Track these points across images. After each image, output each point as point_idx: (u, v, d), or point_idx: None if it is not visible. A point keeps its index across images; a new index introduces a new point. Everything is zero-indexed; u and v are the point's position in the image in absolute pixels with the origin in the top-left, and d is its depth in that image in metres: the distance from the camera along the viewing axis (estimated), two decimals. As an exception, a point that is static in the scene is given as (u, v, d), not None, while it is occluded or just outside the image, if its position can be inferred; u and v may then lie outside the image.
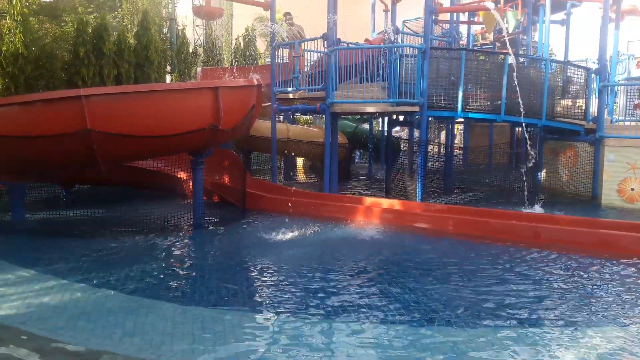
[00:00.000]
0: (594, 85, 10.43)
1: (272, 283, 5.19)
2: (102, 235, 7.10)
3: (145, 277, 5.27)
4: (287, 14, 11.64)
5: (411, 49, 9.59)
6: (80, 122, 6.03)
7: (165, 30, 16.43)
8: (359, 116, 15.78)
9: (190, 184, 8.20)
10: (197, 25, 20.57)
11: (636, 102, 11.21)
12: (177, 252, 6.41)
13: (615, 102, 11.84)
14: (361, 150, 18.33)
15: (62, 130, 6.08)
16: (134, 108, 6.36)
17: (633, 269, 5.69)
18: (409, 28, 14.40)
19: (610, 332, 4.00)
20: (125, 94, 6.53)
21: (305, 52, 10.81)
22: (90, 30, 11.94)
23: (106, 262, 5.84)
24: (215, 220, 8.04)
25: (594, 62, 11.90)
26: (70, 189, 9.63)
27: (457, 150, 14.20)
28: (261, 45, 24.02)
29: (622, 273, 5.54)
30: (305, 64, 10.98)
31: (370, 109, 9.76)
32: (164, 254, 6.25)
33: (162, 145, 6.87)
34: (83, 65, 11.68)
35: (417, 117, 9.54)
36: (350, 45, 10.78)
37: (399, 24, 13.39)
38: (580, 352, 3.62)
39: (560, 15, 14.95)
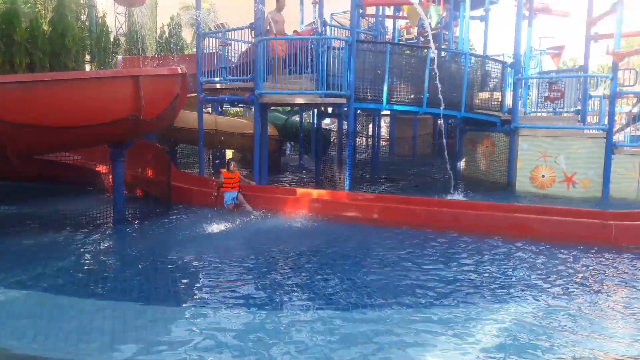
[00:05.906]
0: (510, 79, 11.04)
1: (195, 277, 5.10)
2: (13, 234, 6.65)
3: (61, 275, 5.01)
4: None
5: (339, 41, 9.68)
6: (-15, 112, 5.62)
7: (83, 17, 15.56)
8: (290, 108, 15.77)
9: (110, 177, 7.85)
10: (118, 13, 19.70)
11: (546, 94, 11.96)
12: (96, 248, 6.11)
13: (528, 95, 12.57)
14: (292, 142, 18.35)
15: (-35, 121, 5.64)
16: (46, 97, 5.97)
17: (543, 249, 6.11)
18: (336, 21, 14.55)
19: (518, 309, 4.29)
20: (37, 82, 6.09)
21: (234, 42, 10.64)
22: (-3, 15, 11.09)
23: (18, 261, 5.48)
24: (137, 214, 7.74)
25: (510, 57, 12.57)
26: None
27: (384, 142, 14.54)
28: (188, 35, 23.37)
29: (533, 254, 5.94)
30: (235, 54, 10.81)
31: (299, 100, 9.77)
32: (81, 251, 5.95)
33: (79, 137, 6.53)
34: (-10, 52, 10.85)
35: (344, 109, 9.66)
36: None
37: (326, 17, 13.47)
38: (489, 329, 3.85)
39: (479, 12, 15.63)
